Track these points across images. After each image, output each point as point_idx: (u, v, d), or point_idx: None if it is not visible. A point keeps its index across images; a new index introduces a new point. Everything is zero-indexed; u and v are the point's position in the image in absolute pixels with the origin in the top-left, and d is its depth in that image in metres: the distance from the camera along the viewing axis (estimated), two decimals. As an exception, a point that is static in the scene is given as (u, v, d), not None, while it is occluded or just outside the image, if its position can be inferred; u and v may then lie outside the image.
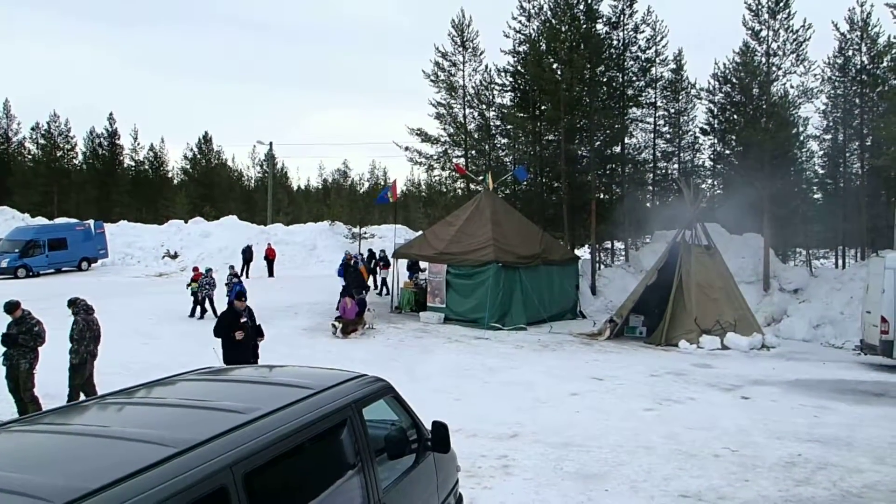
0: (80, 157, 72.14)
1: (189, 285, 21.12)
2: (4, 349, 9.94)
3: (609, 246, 32.34)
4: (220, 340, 10.20)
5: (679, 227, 21.01)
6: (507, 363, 15.54)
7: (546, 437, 9.92)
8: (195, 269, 22.57)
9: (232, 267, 22.43)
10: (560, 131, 27.76)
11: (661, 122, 30.45)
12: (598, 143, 28.55)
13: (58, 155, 69.43)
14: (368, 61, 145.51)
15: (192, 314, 20.17)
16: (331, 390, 4.38)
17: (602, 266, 29.58)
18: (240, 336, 10.10)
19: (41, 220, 42.61)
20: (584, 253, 30.74)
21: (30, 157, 70.13)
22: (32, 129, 70.40)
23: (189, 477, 2.95)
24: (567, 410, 11.52)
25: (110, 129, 72.47)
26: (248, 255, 32.03)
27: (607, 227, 28.87)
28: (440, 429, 5.24)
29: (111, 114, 73.98)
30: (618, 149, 29.83)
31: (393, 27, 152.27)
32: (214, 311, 19.42)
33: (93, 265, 34.98)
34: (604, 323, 20.51)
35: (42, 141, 69.78)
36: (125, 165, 73.14)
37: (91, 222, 37.31)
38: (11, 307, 9.94)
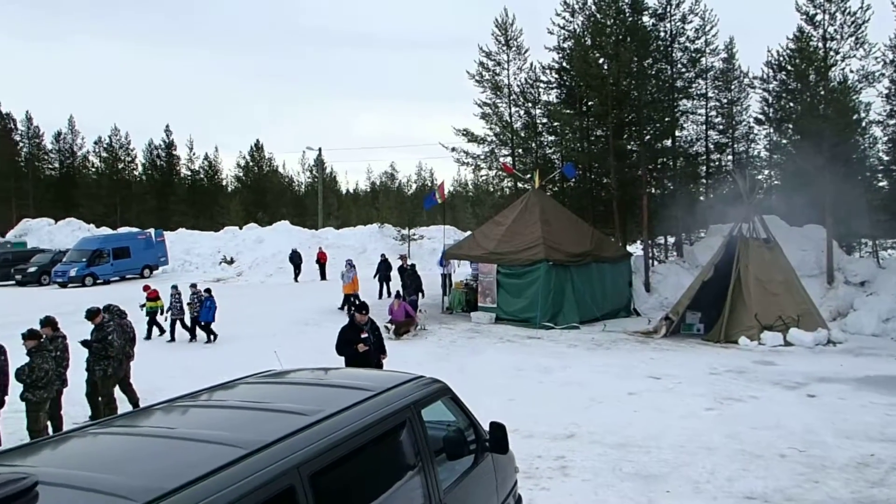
0: (140, 168, 74.35)
1: (143, 305, 18.28)
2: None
3: (662, 242, 31.80)
4: (281, 346, 9.93)
5: (735, 220, 20.55)
6: (560, 362, 15.42)
7: (603, 437, 9.83)
8: (146, 287, 19.15)
9: (194, 285, 18.82)
10: (608, 127, 27.44)
11: (713, 113, 29.79)
12: (648, 137, 28.12)
13: (119, 167, 71.71)
14: (413, 64, 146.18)
15: (149, 336, 18.00)
16: (390, 392, 4.44)
17: (655, 262, 29.11)
18: (363, 349, 9.41)
19: (105, 231, 44.05)
20: (636, 249, 30.30)
21: (94, 170, 72.54)
22: (95, 143, 72.93)
23: (259, 477, 3.06)
24: (624, 410, 11.39)
25: (167, 141, 74.49)
26: (296, 259, 32.52)
27: (660, 223, 28.41)
28: (498, 429, 5.25)
29: (167, 126, 76.02)
30: (668, 142, 29.32)
31: (436, 28, 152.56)
32: (192, 332, 18.12)
33: (154, 272, 36.04)
34: (659, 320, 20.19)
35: (104, 154, 72.13)
36: (182, 175, 75.05)
37: (152, 231, 38.46)
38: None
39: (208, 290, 18.29)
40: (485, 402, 8.68)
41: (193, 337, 18.15)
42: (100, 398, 10.32)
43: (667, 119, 27.65)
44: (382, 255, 26.44)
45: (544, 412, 10.98)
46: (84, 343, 10.38)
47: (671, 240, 31.72)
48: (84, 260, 33.00)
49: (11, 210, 63.47)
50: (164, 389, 11.58)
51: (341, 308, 22.06)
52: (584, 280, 21.01)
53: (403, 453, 4.32)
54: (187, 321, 18.26)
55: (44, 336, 9.38)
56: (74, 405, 10.49)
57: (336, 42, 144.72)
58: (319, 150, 54.23)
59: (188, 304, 18.14)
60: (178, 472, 2.95)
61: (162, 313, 18.43)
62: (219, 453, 3.12)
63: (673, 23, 28.45)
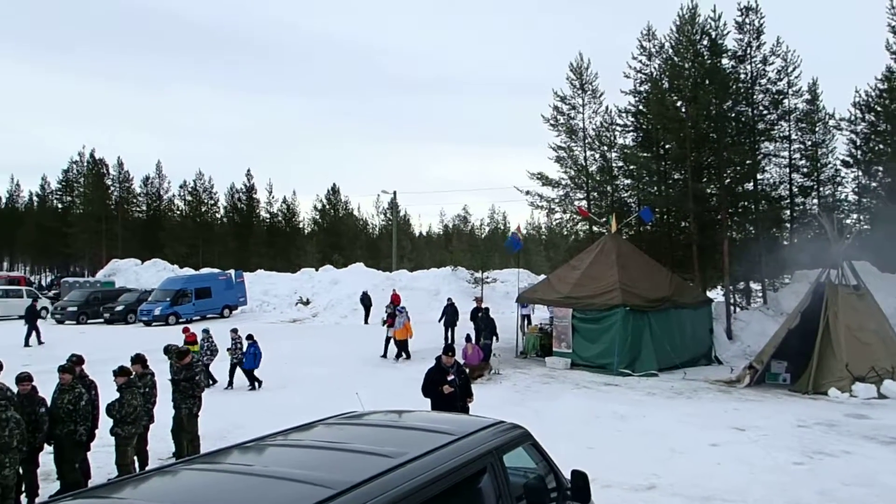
0: (222, 211, 77.19)
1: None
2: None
3: (744, 287, 30.80)
4: (357, 387, 10.00)
5: (822, 266, 19.76)
6: (639, 410, 15.00)
7: (685, 489, 9.47)
8: (185, 329, 18.54)
9: (234, 330, 18.09)
10: (686, 170, 26.97)
11: (797, 155, 28.88)
12: (728, 180, 27.47)
13: (202, 210, 74.62)
14: (487, 108, 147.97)
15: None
16: (472, 436, 4.40)
17: (738, 309, 28.18)
18: (448, 391, 9.36)
19: (188, 271, 45.69)
20: (717, 295, 29.44)
21: (178, 212, 75.72)
22: (180, 186, 76.26)
23: (348, 518, 3.05)
24: (706, 461, 10.95)
25: (248, 185, 77.26)
26: (366, 301, 32.87)
27: (741, 268, 27.56)
28: (580, 478, 5.12)
29: (248, 170, 78.86)
30: (750, 185, 28.58)
31: (510, 73, 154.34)
32: (213, 379, 17.33)
33: (234, 312, 37.07)
34: (742, 369, 19.45)
35: (189, 197, 75.28)
36: (261, 218, 77.46)
37: (232, 272, 39.69)
38: (181, 355, 10.77)
39: (250, 337, 17.60)
40: (561, 449, 8.48)
41: (230, 384, 17.40)
42: (184, 435, 10.60)
43: (748, 162, 26.99)
44: (449, 300, 25.56)
45: (623, 461, 10.67)
46: (172, 381, 10.75)
47: (754, 286, 30.69)
48: (168, 299, 34.29)
49: (101, 251, 66.74)
50: (243, 427, 11.85)
51: (385, 355, 21.64)
52: (663, 326, 20.49)
53: (485, 499, 4.26)
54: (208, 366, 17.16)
55: (133, 373, 9.74)
56: (158, 441, 10.79)
57: (411, 87, 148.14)
58: (394, 193, 55.09)
59: (228, 349, 17.56)
60: None
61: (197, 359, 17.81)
62: (308, 493, 3.15)
63: (753, 64, 27.96)
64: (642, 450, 11.57)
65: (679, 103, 27.24)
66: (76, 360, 9.97)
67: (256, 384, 17.33)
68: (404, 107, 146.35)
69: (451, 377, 9.54)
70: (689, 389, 17.74)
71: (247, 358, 17.28)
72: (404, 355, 21.38)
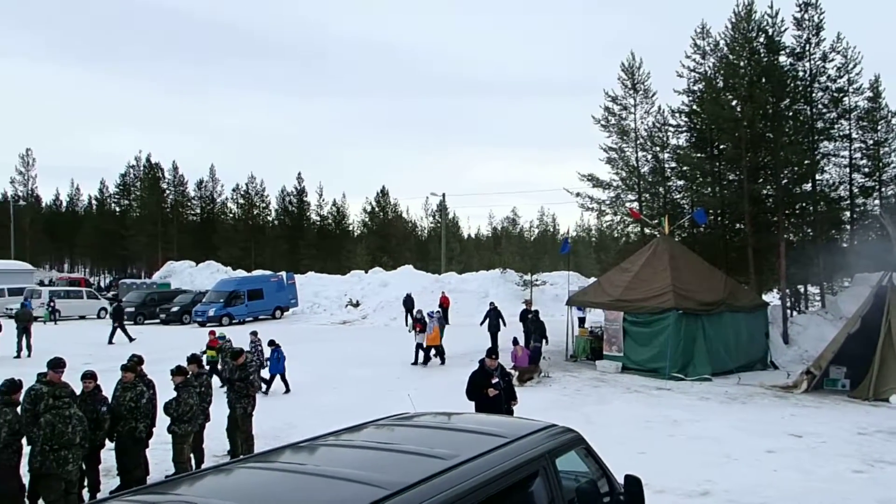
0: (273, 214, 78.48)
1: (204, 352, 17.38)
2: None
3: (801, 291, 30.01)
4: (405, 388, 10.09)
5: (885, 269, 19.12)
6: (692, 415, 14.72)
7: (740, 496, 9.28)
8: (212, 332, 18.42)
9: (254, 333, 17.53)
10: (742, 170, 26.39)
11: (858, 155, 28.03)
12: (786, 181, 26.80)
13: (254, 213, 76.01)
14: (535, 109, 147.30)
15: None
16: (525, 439, 4.38)
17: (794, 312, 27.46)
18: (493, 394, 9.30)
19: (241, 273, 46.58)
20: (772, 298, 28.75)
21: (231, 215, 77.25)
22: (233, 190, 77.80)
23: (402, 519, 3.07)
24: (762, 468, 10.69)
25: (298, 188, 78.37)
26: (408, 304, 32.95)
27: (799, 271, 26.83)
28: (634, 483, 5.04)
29: (299, 173, 79.92)
30: (808, 186, 27.83)
31: (560, 74, 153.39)
32: (268, 384, 17.02)
33: (285, 313, 37.66)
34: (799, 374, 18.92)
35: (241, 201, 76.75)
36: (311, 220, 78.46)
37: (283, 274, 40.30)
38: (235, 355, 10.99)
39: (272, 342, 17.11)
40: (613, 454, 8.39)
41: (266, 391, 16.77)
42: (238, 434, 10.79)
43: (806, 162, 26.28)
44: (492, 304, 25.00)
45: (676, 467, 10.49)
46: (227, 382, 10.95)
47: (811, 289, 29.87)
48: (221, 301, 35.00)
49: (157, 253, 68.55)
50: (296, 427, 12.03)
51: (416, 362, 21.18)
52: (717, 330, 20.08)
53: (537, 503, 4.23)
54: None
55: (190, 372, 9.96)
56: (213, 440, 11.01)
57: (460, 89, 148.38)
58: (443, 195, 55.24)
59: (246, 352, 16.61)
60: None
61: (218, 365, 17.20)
62: (362, 493, 3.18)
63: (812, 62, 27.23)
64: (696, 455, 11.36)
65: (734, 102, 26.69)
66: (138, 360, 10.25)
67: (267, 388, 16.87)
68: (454, 109, 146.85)
69: (495, 380, 9.48)
70: (744, 395, 17.36)
71: (271, 363, 17.06)
72: (438, 360, 21.14)
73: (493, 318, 23.57)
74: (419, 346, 21.35)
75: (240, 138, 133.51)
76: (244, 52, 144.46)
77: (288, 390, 17.01)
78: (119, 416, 9.16)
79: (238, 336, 17.66)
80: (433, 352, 21.36)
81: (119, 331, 27.37)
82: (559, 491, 4.30)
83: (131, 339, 26.52)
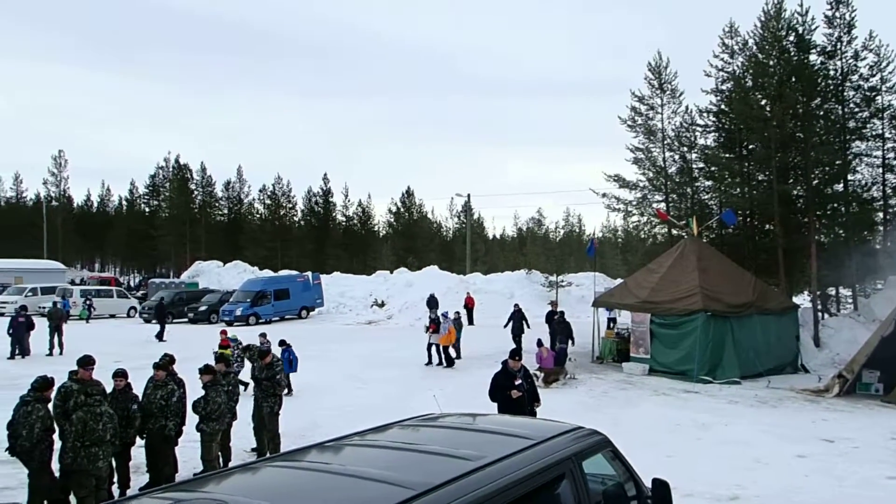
0: (299, 214, 79.02)
1: (216, 353, 16.95)
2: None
3: (833, 293, 29.52)
4: (440, 389, 10.06)
5: (919, 271, 18.77)
6: (720, 419, 14.54)
7: (770, 501, 9.17)
8: (223, 332, 18.11)
9: (263, 335, 16.31)
10: (771, 171, 26.03)
11: (892, 155, 27.49)
12: (817, 181, 26.37)
13: (281, 214, 76.61)
14: (561, 110, 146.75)
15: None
16: (551, 441, 4.35)
17: (826, 315, 27.02)
18: (516, 395, 9.26)
19: (268, 273, 46.93)
20: (803, 301, 28.32)
21: (258, 216, 77.94)
22: (260, 191, 78.55)
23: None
24: (792, 473, 10.52)
25: (324, 189, 78.88)
26: (432, 304, 32.94)
27: (830, 273, 26.38)
28: (662, 487, 4.98)
29: (325, 174, 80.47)
30: (840, 186, 27.38)
31: (584, 74, 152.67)
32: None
33: (311, 313, 37.88)
34: (831, 378, 18.62)
35: (268, 201, 77.42)
36: (337, 221, 78.90)
37: (309, 274, 40.53)
38: (263, 354, 11.08)
39: (283, 342, 16.49)
40: (640, 457, 8.32)
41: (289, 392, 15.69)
42: (265, 433, 10.86)
43: (838, 162, 25.85)
44: (516, 305, 24.73)
45: (704, 471, 10.38)
46: (254, 380, 11.04)
47: (844, 291, 29.37)
48: (248, 300, 35.31)
49: (185, 253, 69.39)
50: (322, 427, 12.09)
51: (430, 363, 21.05)
52: (746, 332, 19.82)
53: (563, 506, 4.20)
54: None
55: (217, 371, 10.04)
56: (240, 438, 11.10)
57: (484, 89, 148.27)
58: (468, 195, 55.20)
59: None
60: None
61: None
62: (389, 493, 3.18)
63: (844, 60, 26.79)
64: (725, 459, 11.23)
65: (764, 102, 26.35)
66: (170, 360, 10.37)
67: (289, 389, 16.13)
68: (478, 109, 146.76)
69: (518, 381, 9.45)
70: (774, 398, 17.11)
71: (282, 363, 16.82)
72: (445, 362, 20.88)
73: (517, 319, 23.44)
74: (431, 346, 21.20)
75: (267, 139, 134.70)
76: (272, 53, 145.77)
77: (290, 392, 16.39)
78: (149, 414, 9.27)
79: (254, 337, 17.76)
80: (452, 352, 21.24)
81: (158, 328, 27.93)
82: (586, 494, 4.27)
83: (161, 339, 26.83)
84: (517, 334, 22.85)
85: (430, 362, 21.06)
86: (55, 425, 8.51)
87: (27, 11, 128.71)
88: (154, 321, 31.72)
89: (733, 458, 11.30)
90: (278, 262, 64.08)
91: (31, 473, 8.24)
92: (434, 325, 21.41)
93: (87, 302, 37.30)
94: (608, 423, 12.75)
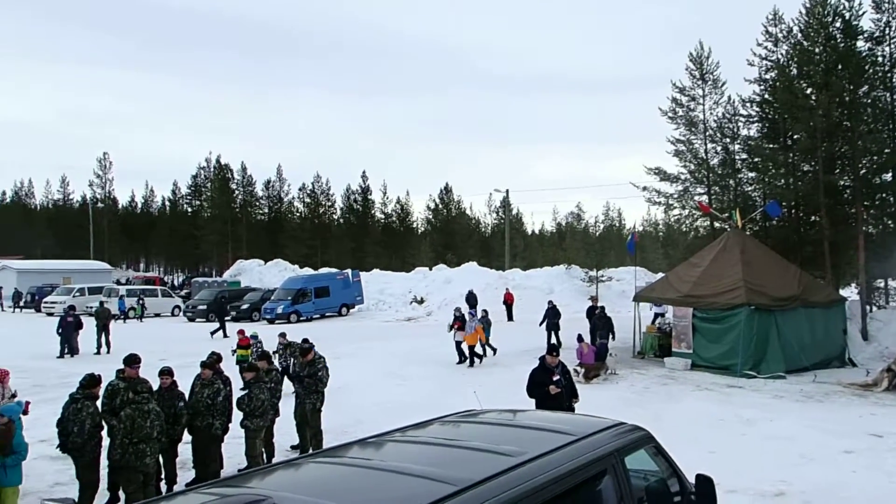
0: (339, 212, 79.73)
1: (234, 351, 17.39)
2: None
3: (881, 285, 28.76)
4: (480, 385, 10.05)
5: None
6: (765, 414, 14.29)
7: (817, 497, 9.00)
8: (241, 331, 18.06)
9: (283, 335, 16.93)
10: (817, 161, 25.46)
11: (943, 143, 26.73)
12: (864, 171, 25.70)
13: (320, 212, 77.34)
14: (598, 103, 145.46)
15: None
16: (592, 437, 4.33)
17: (874, 308, 26.35)
18: (555, 391, 9.22)
19: (308, 271, 47.47)
20: (850, 293, 27.66)
21: (297, 214, 78.81)
22: (300, 189, 79.35)
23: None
24: (840, 469, 10.31)
25: (363, 186, 79.45)
26: (472, 301, 32.91)
27: (879, 265, 25.70)
28: (706, 483, 4.91)
29: (364, 172, 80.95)
30: (888, 176, 26.64)
31: (622, 68, 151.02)
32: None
33: (351, 311, 38.20)
34: (879, 372, 18.17)
35: (307, 200, 78.22)
36: (376, 218, 79.42)
37: (349, 272, 40.89)
38: (304, 352, 11.22)
39: (305, 341, 14.91)
40: (683, 453, 8.23)
41: None
42: (308, 430, 10.99)
43: (886, 151, 25.14)
44: (550, 302, 24.57)
45: (749, 467, 10.22)
46: (296, 377, 11.18)
47: (893, 283, 28.62)
48: (289, 298, 35.73)
49: (227, 252, 70.47)
50: (363, 423, 12.19)
51: (462, 361, 20.55)
52: (791, 326, 19.44)
53: (606, 502, 4.17)
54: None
55: (260, 369, 10.19)
56: (283, 435, 11.25)
57: (520, 85, 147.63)
58: (506, 191, 55.03)
59: (274, 351, 16.02)
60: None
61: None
62: (431, 489, 3.20)
63: (893, 46, 26.03)
64: (769, 455, 11.04)
65: (809, 90, 25.80)
66: (217, 358, 10.56)
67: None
68: (515, 105, 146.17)
69: (556, 377, 9.41)
70: (821, 393, 16.77)
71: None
72: (477, 360, 20.49)
73: (552, 317, 23.34)
74: (458, 343, 20.84)
75: (306, 138, 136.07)
76: (309, 52, 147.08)
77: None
78: (197, 413, 9.44)
79: (297, 333, 17.97)
80: (479, 349, 20.94)
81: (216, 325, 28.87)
82: (628, 490, 4.24)
83: (213, 335, 27.44)
84: (554, 331, 22.72)
85: (461, 360, 20.74)
86: (103, 422, 8.72)
87: (70, 14, 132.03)
88: (212, 318, 32.59)
89: (778, 454, 11.11)
90: (318, 259, 64.74)
91: (81, 469, 8.47)
92: (459, 323, 21.07)
93: (141, 301, 38.22)
94: (650, 419, 12.62)
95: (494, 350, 21.66)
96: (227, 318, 30.39)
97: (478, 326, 20.92)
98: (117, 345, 23.01)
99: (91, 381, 8.59)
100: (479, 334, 20.90)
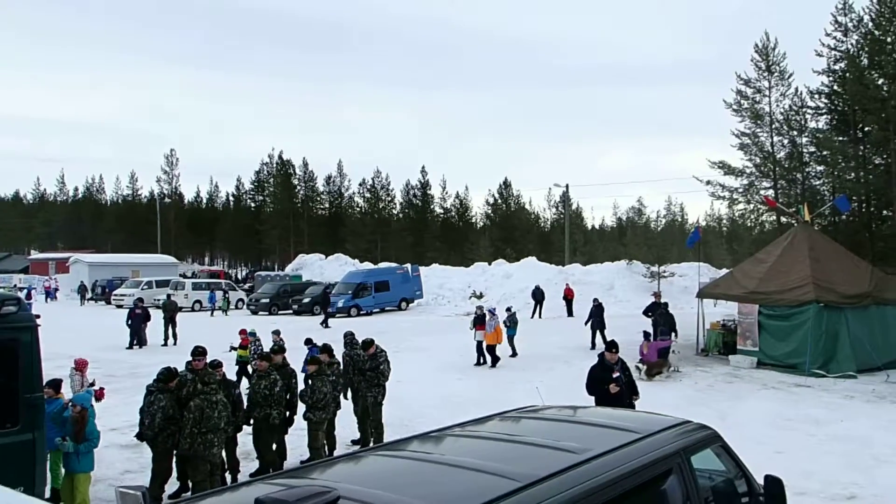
0: (398, 207, 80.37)
1: (234, 349, 16.81)
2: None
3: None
4: (541, 380, 10.02)
5: None
6: (835, 415, 13.87)
7: (891, 501, 8.73)
8: (242, 331, 17.04)
9: (276, 332, 14.99)
10: (889, 154, 24.58)
11: None
12: (940, 163, 24.73)
13: (380, 207, 78.08)
14: (660, 97, 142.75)
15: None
16: (658, 435, 4.28)
17: (951, 306, 25.24)
18: (615, 389, 9.14)
19: (368, 265, 47.94)
20: (927, 290, 26.53)
21: (358, 209, 79.76)
22: (360, 184, 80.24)
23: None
24: (917, 473, 9.96)
25: (423, 181, 79.86)
26: (538, 296, 32.68)
27: (956, 261, 24.70)
28: (775, 484, 4.81)
29: (423, 167, 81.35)
30: (966, 168, 25.55)
31: (684, 61, 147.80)
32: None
33: (410, 305, 38.44)
34: (958, 373, 17.43)
35: (367, 195, 79.08)
36: (435, 213, 79.75)
37: (408, 266, 41.12)
38: (366, 345, 11.40)
39: (309, 341, 14.72)
40: (748, 453, 8.06)
41: None
42: (369, 422, 11.15)
43: (964, 142, 24.13)
44: (595, 300, 23.41)
45: (818, 468, 9.95)
46: (359, 371, 11.36)
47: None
48: (350, 292, 36.14)
49: (289, 246, 71.77)
50: (424, 417, 12.30)
51: (480, 363, 19.86)
52: (862, 324, 18.76)
53: (671, 502, 4.13)
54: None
55: (322, 361, 10.39)
56: (344, 427, 11.43)
57: (581, 78, 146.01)
58: (566, 186, 54.52)
59: (274, 351, 14.14)
60: (465, 498, 3.12)
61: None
62: (494, 484, 3.21)
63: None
64: (840, 457, 10.75)
65: (881, 81, 24.95)
66: (277, 350, 10.79)
67: None
68: (575, 99, 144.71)
69: (615, 374, 9.32)
70: (894, 394, 16.16)
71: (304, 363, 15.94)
72: (490, 362, 19.75)
73: (598, 315, 22.47)
74: (480, 343, 20.05)
75: (366, 134, 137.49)
76: (370, 49, 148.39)
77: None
78: (255, 404, 9.67)
79: (357, 327, 18.21)
80: (509, 350, 20.50)
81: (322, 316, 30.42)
82: (695, 489, 4.18)
83: (327, 326, 28.56)
84: (599, 329, 22.05)
85: (482, 362, 19.97)
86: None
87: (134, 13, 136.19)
88: (318, 310, 34.07)
89: (849, 456, 10.80)
90: (378, 254, 65.34)
91: (154, 458, 8.78)
92: (481, 326, 20.08)
93: (226, 296, 39.48)
94: (714, 418, 12.41)
95: (515, 353, 20.84)
96: (332, 312, 31.70)
97: (497, 326, 20.15)
98: (183, 336, 23.73)
99: (167, 375, 8.89)
100: (499, 334, 20.18)
